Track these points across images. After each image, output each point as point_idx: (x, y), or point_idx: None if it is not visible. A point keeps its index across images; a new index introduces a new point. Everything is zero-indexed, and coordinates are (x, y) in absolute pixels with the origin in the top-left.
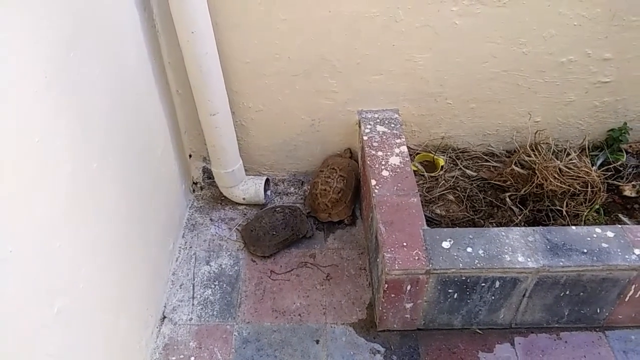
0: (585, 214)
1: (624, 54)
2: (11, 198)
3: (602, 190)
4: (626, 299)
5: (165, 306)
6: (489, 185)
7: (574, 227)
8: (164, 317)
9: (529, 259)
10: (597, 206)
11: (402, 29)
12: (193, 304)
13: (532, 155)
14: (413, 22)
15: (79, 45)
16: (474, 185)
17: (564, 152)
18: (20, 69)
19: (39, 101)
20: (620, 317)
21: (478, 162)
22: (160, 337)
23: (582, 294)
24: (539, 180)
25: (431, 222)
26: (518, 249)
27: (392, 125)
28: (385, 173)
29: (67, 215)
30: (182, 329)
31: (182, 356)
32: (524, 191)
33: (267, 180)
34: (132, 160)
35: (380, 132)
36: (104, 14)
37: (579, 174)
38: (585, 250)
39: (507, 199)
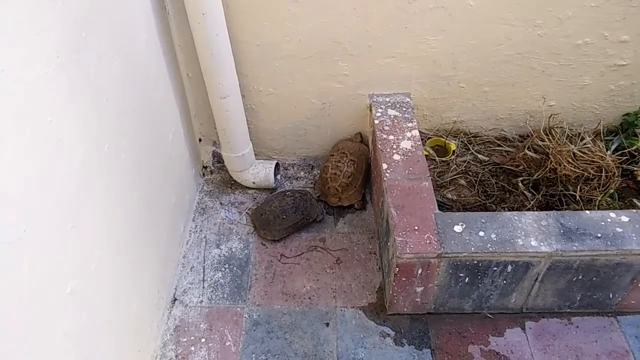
0: (599, 198)
1: None
2: (24, 178)
3: (616, 175)
4: None
5: (176, 288)
6: (501, 170)
7: (588, 212)
8: (175, 299)
9: (542, 243)
10: (611, 191)
11: (414, 11)
12: (203, 287)
13: (546, 140)
14: (426, 3)
15: (90, 26)
16: (486, 170)
17: (578, 136)
18: (33, 49)
19: (51, 81)
20: (633, 302)
21: (490, 147)
22: (172, 319)
23: (595, 278)
24: (553, 165)
25: (442, 206)
26: (531, 233)
27: (404, 109)
28: (396, 157)
29: (80, 196)
30: (193, 311)
31: (192, 337)
32: (537, 176)
33: (277, 165)
34: (144, 143)
35: (392, 116)
36: None
37: (593, 158)
38: (599, 235)
39: (520, 184)
